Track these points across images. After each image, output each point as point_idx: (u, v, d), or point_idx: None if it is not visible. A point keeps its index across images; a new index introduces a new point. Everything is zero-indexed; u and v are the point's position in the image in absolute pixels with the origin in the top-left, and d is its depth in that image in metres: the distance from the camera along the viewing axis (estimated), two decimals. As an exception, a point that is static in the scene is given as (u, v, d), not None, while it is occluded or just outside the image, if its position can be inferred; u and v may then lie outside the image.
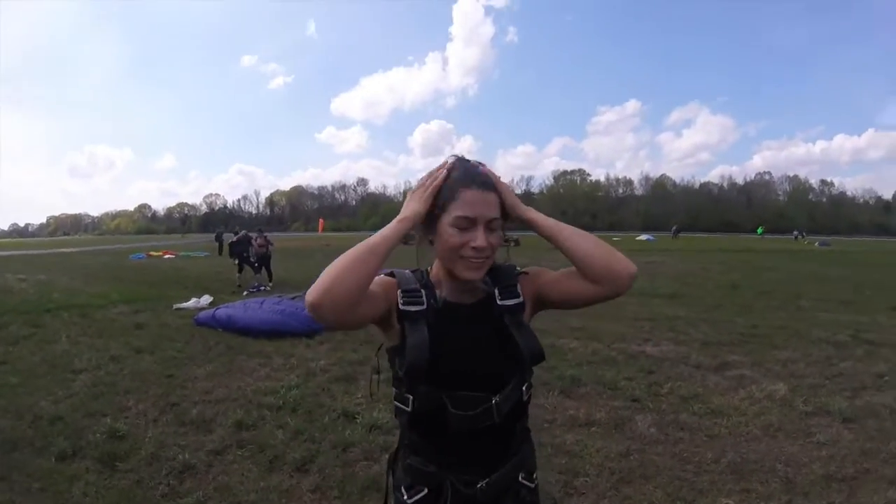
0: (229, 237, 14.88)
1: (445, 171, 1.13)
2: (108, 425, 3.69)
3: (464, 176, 1.11)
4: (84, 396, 4.36)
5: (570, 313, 8.11)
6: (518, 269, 1.24)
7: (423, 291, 1.14)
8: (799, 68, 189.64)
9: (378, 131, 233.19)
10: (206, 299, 9.44)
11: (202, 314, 7.55)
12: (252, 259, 12.54)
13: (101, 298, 9.94)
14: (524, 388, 1.17)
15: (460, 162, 1.16)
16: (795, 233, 52.19)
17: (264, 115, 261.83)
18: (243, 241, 12.74)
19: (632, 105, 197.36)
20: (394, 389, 1.17)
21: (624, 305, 8.95)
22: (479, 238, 1.07)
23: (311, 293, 0.98)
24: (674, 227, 56.54)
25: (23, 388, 4.58)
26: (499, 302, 1.16)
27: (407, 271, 1.20)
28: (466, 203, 1.08)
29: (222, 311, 7.23)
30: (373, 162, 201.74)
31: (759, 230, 58.06)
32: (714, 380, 4.76)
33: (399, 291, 1.13)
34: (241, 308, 7.23)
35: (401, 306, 1.12)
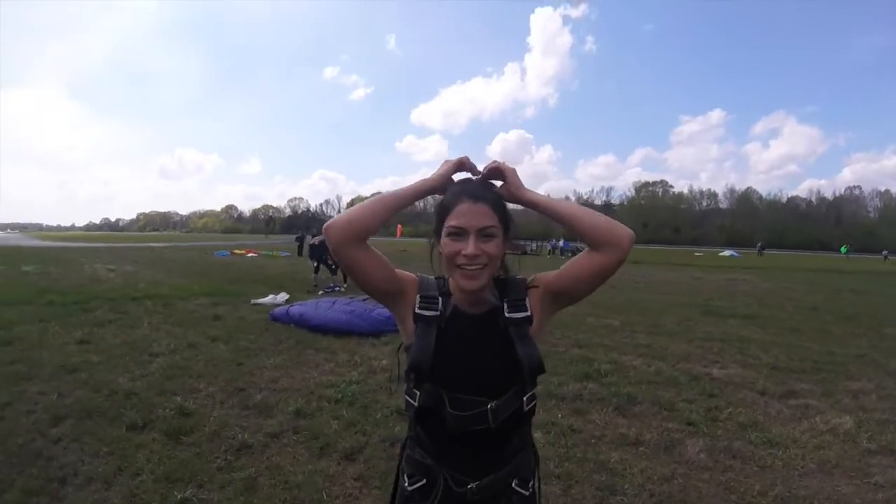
0: (309, 239, 15.32)
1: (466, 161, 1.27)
2: (177, 403, 4.03)
3: (458, 191, 1.23)
4: (159, 377, 4.76)
5: (638, 330, 7.96)
6: (528, 282, 1.30)
7: (440, 299, 1.26)
8: (888, 76, 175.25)
9: (456, 140, 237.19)
10: (282, 296, 9.88)
11: (277, 310, 7.93)
12: (330, 262, 12.82)
13: (184, 290, 10.66)
14: (525, 398, 1.23)
15: (462, 181, 1.28)
16: (885, 253, 47.80)
17: (346, 124, 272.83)
18: (324, 244, 12.80)
19: (716, 115, 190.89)
20: (405, 384, 1.27)
21: (696, 325, 8.67)
22: (470, 246, 1.15)
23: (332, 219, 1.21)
24: (759, 244, 54.17)
25: (103, 365, 5.03)
26: (507, 315, 1.24)
27: (432, 278, 1.31)
28: (457, 214, 1.18)
29: (296, 309, 7.60)
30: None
31: (844, 249, 54.08)
32: (777, 408, 4.53)
33: (418, 296, 1.26)
34: (314, 307, 7.59)
35: (416, 310, 1.25)
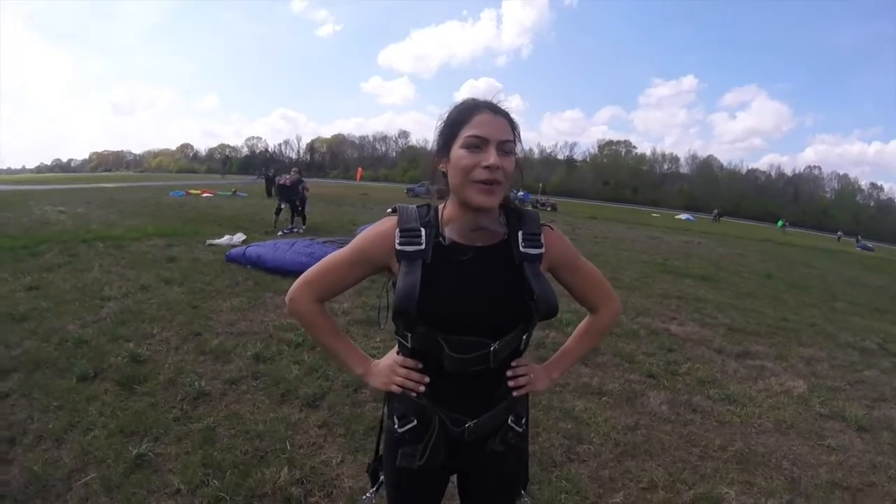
0: (279, 179, 14.68)
1: (423, 386, 1.16)
2: (130, 350, 3.82)
3: (474, 102, 1.11)
4: (110, 322, 4.50)
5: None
6: (541, 219, 1.20)
7: (422, 230, 1.12)
8: (866, 65, 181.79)
9: (425, 85, 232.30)
10: (239, 237, 9.60)
11: (233, 251, 7.64)
12: (298, 204, 12.53)
13: (137, 231, 10.13)
14: (524, 337, 1.16)
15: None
16: (839, 233, 49.51)
17: (311, 61, 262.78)
18: (296, 185, 12.50)
19: (688, 81, 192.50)
20: (395, 325, 1.17)
21: (654, 282, 8.86)
22: (492, 156, 1.05)
23: (289, 296, 1.24)
24: (715, 211, 55.22)
25: (52, 312, 4.70)
26: (522, 249, 1.14)
27: (412, 207, 1.18)
28: (478, 123, 1.07)
29: (252, 250, 7.32)
30: (417, 115, 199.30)
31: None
32: (734, 367, 4.67)
33: (397, 230, 1.13)
34: (271, 248, 7.31)
35: (397, 246, 1.12)
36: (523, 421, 1.26)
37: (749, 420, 3.57)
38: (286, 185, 12.53)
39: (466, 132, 1.07)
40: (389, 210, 1.19)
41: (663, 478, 2.74)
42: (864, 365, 5.22)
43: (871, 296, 10.95)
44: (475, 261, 1.12)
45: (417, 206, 1.18)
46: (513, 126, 1.12)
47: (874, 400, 4.24)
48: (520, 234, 1.14)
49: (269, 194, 25.04)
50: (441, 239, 1.12)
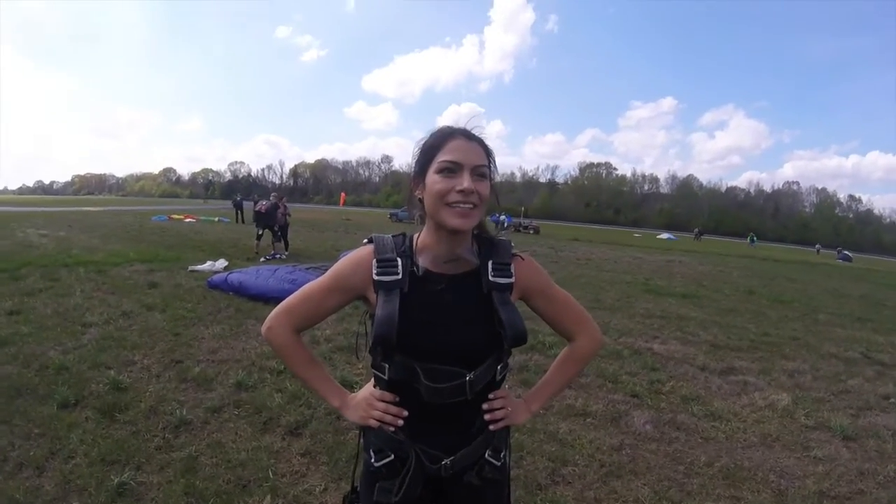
0: (254, 206, 14.74)
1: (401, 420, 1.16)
2: (111, 377, 3.76)
3: (448, 129, 1.14)
4: (91, 349, 4.44)
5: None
6: (513, 247, 1.22)
7: (398, 260, 1.14)
8: (841, 80, 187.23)
9: (408, 110, 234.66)
10: (221, 263, 9.54)
11: (215, 277, 7.59)
12: (276, 229, 12.54)
13: (119, 257, 10.05)
14: (499, 367, 1.17)
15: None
16: (818, 246, 50.25)
17: (295, 86, 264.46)
18: (272, 211, 12.53)
19: (667, 102, 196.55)
20: (372, 357, 1.18)
21: (637, 302, 8.91)
22: (465, 180, 1.07)
23: (266, 325, 1.22)
24: (696, 230, 55.55)
25: (33, 337, 4.63)
26: (491, 278, 1.15)
27: (388, 237, 1.20)
28: (452, 149, 1.09)
29: (235, 276, 7.28)
30: (400, 140, 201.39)
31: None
32: (717, 383, 4.70)
33: (374, 260, 1.14)
34: (254, 274, 7.27)
35: (374, 276, 1.13)
36: (502, 455, 1.25)
37: (734, 435, 3.60)
38: (262, 211, 12.60)
39: (441, 157, 1.09)
40: (365, 241, 1.20)
41: (649, 496, 2.74)
42: (847, 374, 5.29)
43: (854, 306, 11.11)
44: (448, 290, 1.14)
45: (393, 236, 1.20)
46: (487, 152, 1.14)
47: (859, 409, 4.30)
48: (490, 263, 1.16)
49: (237, 220, 25.26)
50: (415, 269, 1.14)
